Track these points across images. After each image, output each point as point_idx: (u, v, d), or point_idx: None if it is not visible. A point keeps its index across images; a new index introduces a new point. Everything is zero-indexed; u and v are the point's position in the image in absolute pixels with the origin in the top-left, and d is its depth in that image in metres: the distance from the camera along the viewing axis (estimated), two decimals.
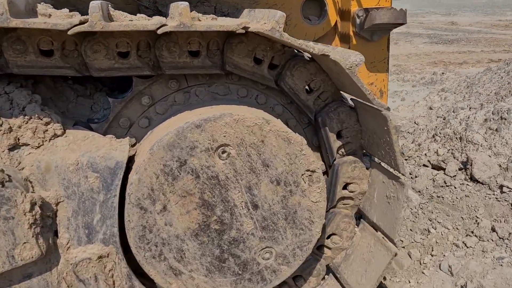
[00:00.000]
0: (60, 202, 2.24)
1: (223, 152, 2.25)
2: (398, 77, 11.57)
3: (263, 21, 2.11)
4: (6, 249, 2.06)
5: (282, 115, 2.69)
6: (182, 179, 2.24)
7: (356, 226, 2.89)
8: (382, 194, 2.63)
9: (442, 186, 3.83)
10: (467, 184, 3.69)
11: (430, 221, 3.56)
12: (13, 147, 2.22)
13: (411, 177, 4.05)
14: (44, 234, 2.17)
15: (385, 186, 2.60)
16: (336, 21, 3.58)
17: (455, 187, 3.68)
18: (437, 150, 4.26)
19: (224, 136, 2.23)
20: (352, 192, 2.80)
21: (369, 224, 2.80)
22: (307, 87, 2.63)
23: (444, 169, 3.96)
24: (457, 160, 4.00)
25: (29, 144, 2.24)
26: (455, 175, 3.84)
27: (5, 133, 2.18)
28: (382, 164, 2.68)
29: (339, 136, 2.68)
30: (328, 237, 2.87)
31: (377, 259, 2.61)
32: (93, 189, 2.27)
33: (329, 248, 2.90)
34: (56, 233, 2.26)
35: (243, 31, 2.03)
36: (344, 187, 2.79)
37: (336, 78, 2.50)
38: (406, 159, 4.34)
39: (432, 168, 4.14)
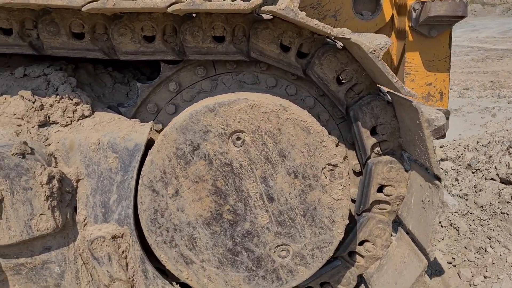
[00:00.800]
0: (80, 179, 2.31)
1: (238, 138, 2.17)
2: (493, 93, 10.57)
3: (281, 1, 2.01)
4: (25, 218, 2.16)
5: (313, 108, 2.55)
6: (195, 164, 2.19)
7: (394, 233, 2.63)
8: (419, 199, 2.36)
9: (509, 202, 3.35)
10: None
11: (489, 239, 3.11)
12: (43, 124, 2.34)
13: (475, 191, 3.60)
14: (62, 209, 2.24)
15: (422, 190, 2.33)
16: (393, 15, 3.35)
17: None
18: (508, 163, 3.76)
19: (239, 122, 2.15)
20: (388, 195, 2.55)
21: (406, 232, 2.52)
22: (342, 79, 2.46)
23: None
24: None
25: (58, 122, 2.35)
26: None
27: (37, 110, 2.31)
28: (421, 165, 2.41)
29: (374, 132, 2.46)
30: (361, 244, 2.64)
31: (409, 271, 2.33)
32: (112, 169, 2.31)
33: (362, 256, 2.66)
34: (75, 209, 2.33)
35: (253, 10, 1.95)
36: (380, 190, 2.56)
37: (368, 68, 2.31)
38: (473, 172, 3.89)
39: (500, 182, 3.65)
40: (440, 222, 3.50)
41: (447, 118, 3.32)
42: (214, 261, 2.31)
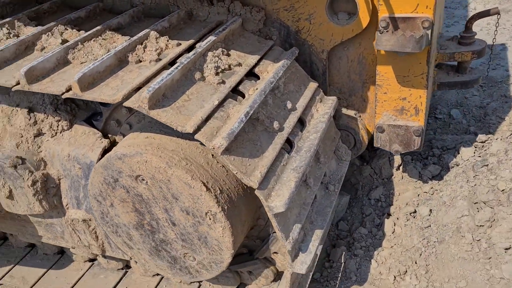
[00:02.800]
0: (61, 178, 3.21)
1: (142, 179, 2.73)
2: None
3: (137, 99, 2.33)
4: (26, 203, 3.20)
5: None
6: (118, 190, 2.85)
7: None
8: None
9: (461, 235, 3.03)
10: None
11: (425, 271, 3.01)
12: (38, 135, 3.20)
13: (450, 203, 3.30)
14: (49, 198, 3.21)
15: None
16: (377, 19, 3.05)
17: None
18: (498, 183, 3.22)
19: (139, 169, 2.67)
20: None
21: None
22: None
23: None
24: None
25: (46, 133, 3.19)
26: None
27: (31, 125, 3.16)
28: None
29: None
30: (274, 253, 3.09)
31: None
32: (78, 175, 3.13)
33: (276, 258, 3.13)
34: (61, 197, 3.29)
35: (114, 103, 2.32)
36: None
37: None
38: (474, 176, 3.44)
39: (474, 203, 3.23)
40: (405, 225, 3.49)
41: (419, 136, 3.15)
42: (146, 250, 3.10)
